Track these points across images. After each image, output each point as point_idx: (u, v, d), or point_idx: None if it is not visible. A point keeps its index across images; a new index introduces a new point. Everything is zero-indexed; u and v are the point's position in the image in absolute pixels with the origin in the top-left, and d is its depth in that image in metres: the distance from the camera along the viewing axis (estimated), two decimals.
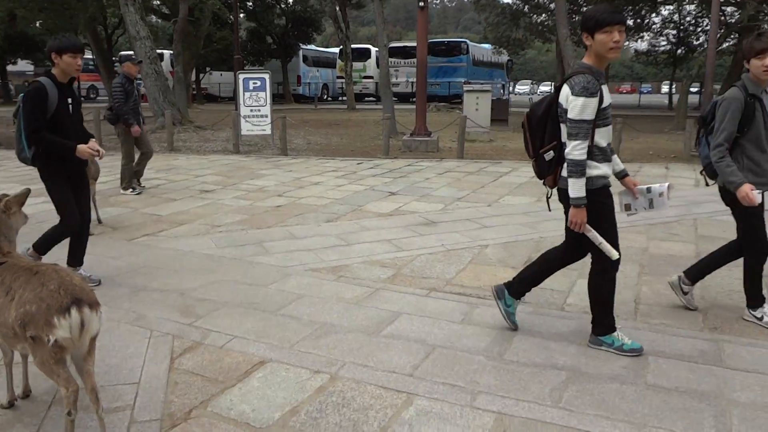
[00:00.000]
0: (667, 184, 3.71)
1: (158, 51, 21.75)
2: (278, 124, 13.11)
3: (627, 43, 39.47)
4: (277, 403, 3.06)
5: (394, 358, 3.52)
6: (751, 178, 3.86)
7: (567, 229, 3.65)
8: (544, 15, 28.47)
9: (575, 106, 3.28)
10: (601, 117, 3.35)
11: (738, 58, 25.17)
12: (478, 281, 4.85)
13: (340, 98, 39.87)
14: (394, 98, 32.02)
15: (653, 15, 30.87)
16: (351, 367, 3.42)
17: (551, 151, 3.50)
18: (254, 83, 13.85)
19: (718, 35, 17.77)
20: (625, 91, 70.21)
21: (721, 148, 3.85)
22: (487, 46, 35.51)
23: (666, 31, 34.00)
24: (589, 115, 3.28)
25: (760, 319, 4.08)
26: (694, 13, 30.46)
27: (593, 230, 3.47)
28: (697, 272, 4.31)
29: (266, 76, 14.03)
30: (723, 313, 4.26)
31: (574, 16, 28.03)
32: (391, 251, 5.63)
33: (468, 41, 36.61)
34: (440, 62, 33.97)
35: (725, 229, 6.49)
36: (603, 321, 3.67)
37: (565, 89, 3.38)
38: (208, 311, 4.21)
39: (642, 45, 38.58)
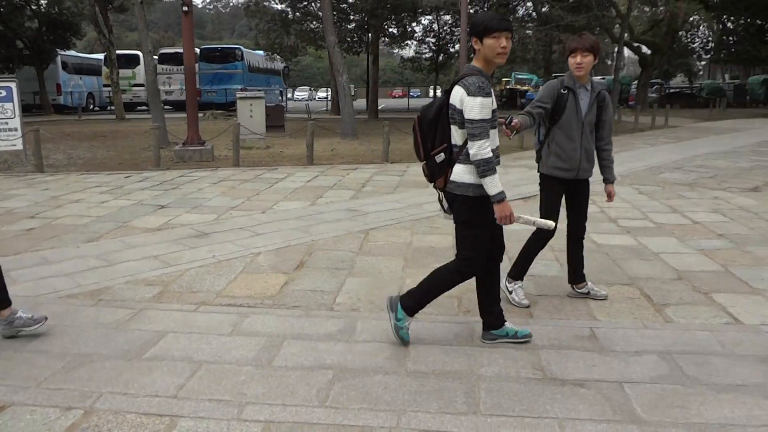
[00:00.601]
0: None
1: None
2: (30, 137, 11.84)
3: (396, 50, 41.91)
4: None
5: (157, 381, 3.34)
6: (558, 163, 4.31)
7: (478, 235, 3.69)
8: (315, 23, 29.07)
9: (473, 106, 3.32)
10: (493, 117, 3.44)
11: None
12: (249, 290, 4.79)
13: (108, 108, 37.16)
14: (169, 107, 30.61)
15: (414, 24, 33.03)
16: (108, 397, 3.18)
17: (442, 153, 3.52)
18: None
19: (469, 43, 19.52)
20: (397, 96, 74.49)
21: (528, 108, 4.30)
22: (262, 52, 35.45)
23: (427, 39, 36.63)
24: (487, 114, 3.36)
25: (510, 293, 4.55)
26: (449, 23, 33.14)
27: (522, 215, 3.55)
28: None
29: (13, 85, 12.55)
30: (475, 297, 4.64)
31: (342, 24, 29.05)
32: (159, 268, 5.35)
33: (243, 48, 36.24)
34: (215, 69, 33.26)
35: None
36: (417, 301, 3.74)
37: (458, 90, 3.42)
38: None
39: (408, 52, 41.18)
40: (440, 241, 6.25)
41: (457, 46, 31.87)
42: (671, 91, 47.59)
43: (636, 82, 40.53)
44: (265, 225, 6.90)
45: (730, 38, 41.25)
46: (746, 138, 18.84)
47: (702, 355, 3.70)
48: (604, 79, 42.16)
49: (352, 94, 60.79)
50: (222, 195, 8.80)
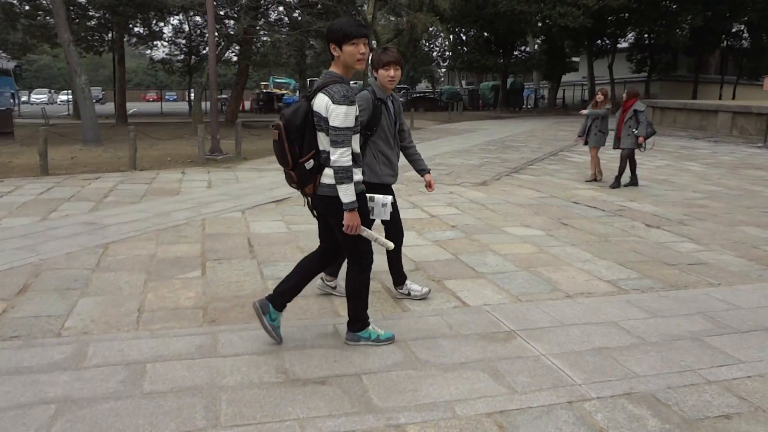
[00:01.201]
0: (390, 198, 3.91)
1: None
2: None
3: (149, 52, 39.60)
4: None
5: None
6: (387, 170, 4.39)
7: (323, 234, 3.91)
8: (48, 17, 26.32)
9: (338, 114, 3.36)
10: (356, 124, 3.47)
11: (241, 67, 27.64)
12: None
13: None
14: None
15: (163, 24, 31.57)
16: None
17: (311, 160, 3.52)
18: None
19: (220, 46, 19.15)
20: (151, 99, 70.51)
21: None
22: None
23: (178, 40, 35.22)
24: (351, 122, 3.40)
25: (409, 294, 4.69)
26: (200, 24, 32.20)
27: (367, 229, 3.63)
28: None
29: None
30: (221, 305, 4.55)
31: (79, 20, 26.74)
32: None
33: None
34: None
35: (230, 225, 7.02)
36: (361, 317, 3.88)
37: (322, 98, 3.43)
38: None
39: (159, 53, 39.25)
40: (187, 251, 6.00)
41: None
42: (416, 95, 51.43)
43: None
44: None
45: (463, 48, 45.73)
46: (478, 138, 21.03)
47: (432, 339, 4.02)
48: (357, 84, 44.24)
49: (100, 97, 56.33)
50: None
